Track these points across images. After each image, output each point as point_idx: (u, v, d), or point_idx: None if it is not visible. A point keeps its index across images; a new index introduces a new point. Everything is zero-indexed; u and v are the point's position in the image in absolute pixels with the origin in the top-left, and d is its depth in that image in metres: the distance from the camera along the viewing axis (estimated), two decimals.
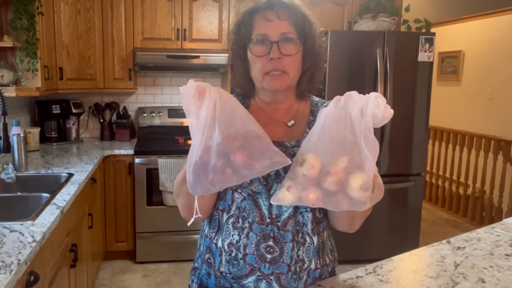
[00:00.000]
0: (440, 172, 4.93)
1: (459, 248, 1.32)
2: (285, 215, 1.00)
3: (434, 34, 3.22)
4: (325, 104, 1.11)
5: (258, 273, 0.99)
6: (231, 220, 1.02)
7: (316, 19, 1.05)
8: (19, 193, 2.04)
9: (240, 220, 1.01)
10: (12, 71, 2.62)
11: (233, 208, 1.02)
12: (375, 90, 3.13)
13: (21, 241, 1.37)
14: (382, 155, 3.20)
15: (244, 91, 1.11)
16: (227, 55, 1.13)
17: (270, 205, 1.00)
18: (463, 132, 4.57)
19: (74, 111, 3.43)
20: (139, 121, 3.66)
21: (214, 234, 1.06)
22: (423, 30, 3.51)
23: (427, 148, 3.43)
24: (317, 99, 1.14)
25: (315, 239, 1.03)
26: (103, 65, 3.34)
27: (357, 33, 3.30)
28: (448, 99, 5.39)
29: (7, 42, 2.49)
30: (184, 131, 3.52)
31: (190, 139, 0.83)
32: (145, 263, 3.24)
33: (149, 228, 3.21)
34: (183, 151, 3.12)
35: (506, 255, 1.28)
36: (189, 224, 0.94)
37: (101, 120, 3.60)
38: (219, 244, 1.03)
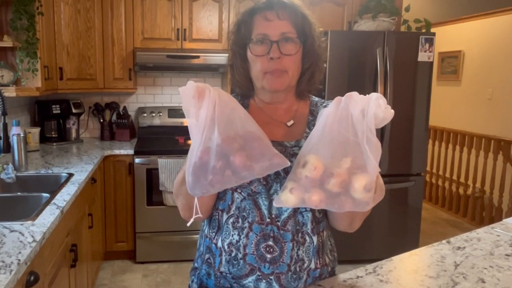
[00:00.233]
0: (440, 172, 4.93)
1: (459, 248, 1.32)
2: (285, 215, 1.00)
3: (434, 34, 3.22)
4: (324, 104, 1.11)
5: (258, 273, 0.99)
6: (231, 220, 1.02)
7: (315, 19, 1.05)
8: (19, 193, 2.04)
9: (240, 220, 1.01)
10: (12, 71, 2.62)
11: (233, 208, 1.02)
12: (375, 90, 3.13)
13: (21, 241, 1.37)
14: (382, 155, 3.16)
15: (244, 91, 1.11)
16: (227, 55, 1.12)
17: (270, 205, 1.00)
18: (463, 132, 4.57)
19: (74, 111, 3.43)
20: (139, 121, 3.66)
21: (214, 234, 1.06)
22: (423, 30, 3.51)
23: (427, 148, 3.43)
24: (316, 99, 1.14)
25: (314, 238, 1.03)
26: (103, 65, 3.34)
27: (357, 33, 3.30)
28: (448, 99, 5.39)
29: (7, 42, 2.49)
30: (184, 131, 3.52)
31: (190, 139, 0.83)
32: (145, 263, 3.24)
33: (149, 228, 3.21)
34: (183, 151, 3.12)
35: (506, 255, 1.28)
36: (188, 224, 0.94)
37: (101, 120, 3.60)
38: (219, 244, 1.03)
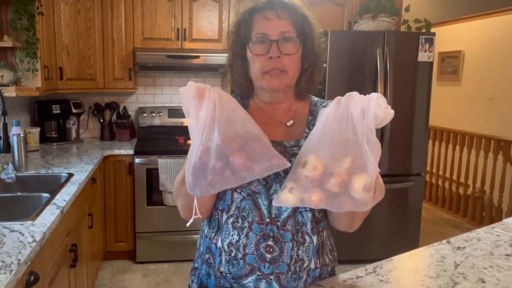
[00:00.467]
0: (440, 172, 4.93)
1: (459, 248, 1.32)
2: (285, 214, 1.00)
3: (434, 34, 3.22)
4: (324, 104, 1.11)
5: (258, 273, 0.99)
6: (231, 220, 1.02)
7: (315, 19, 1.05)
8: (19, 193, 2.04)
9: (240, 220, 1.01)
10: (12, 71, 2.62)
11: (233, 208, 1.02)
12: (375, 90, 3.13)
13: (21, 241, 1.37)
14: (382, 155, 3.19)
15: (243, 91, 1.11)
16: (227, 55, 1.12)
17: (270, 205, 1.00)
18: (463, 132, 4.57)
19: (74, 111, 3.43)
20: (139, 121, 3.66)
21: (213, 234, 1.06)
22: (423, 30, 3.51)
23: (427, 148, 3.43)
24: (316, 99, 1.14)
25: (314, 238, 1.03)
26: (103, 65, 3.34)
27: (357, 33, 3.30)
28: (448, 99, 5.39)
29: (7, 42, 2.49)
30: (184, 131, 3.52)
31: (190, 139, 0.83)
32: (145, 263, 3.24)
33: (149, 228, 3.21)
34: (183, 151, 3.12)
35: (506, 255, 1.28)
36: (188, 224, 0.94)
37: (101, 120, 3.60)
38: (219, 244, 1.03)
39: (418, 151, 3.31)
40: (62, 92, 3.24)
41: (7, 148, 2.20)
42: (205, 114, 0.79)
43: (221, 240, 1.03)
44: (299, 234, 1.01)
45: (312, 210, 1.03)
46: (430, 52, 3.21)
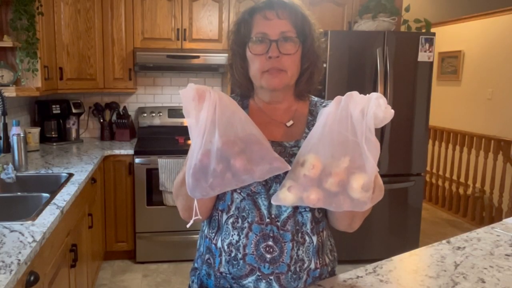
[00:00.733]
0: (440, 172, 4.93)
1: (459, 248, 1.32)
2: (285, 215, 1.00)
3: (434, 34, 3.22)
4: (324, 104, 1.11)
5: (258, 273, 0.99)
6: (231, 220, 1.02)
7: (315, 20, 1.06)
8: (19, 193, 2.04)
9: (240, 220, 1.01)
10: (12, 71, 2.62)
11: (233, 208, 1.02)
12: (375, 90, 3.13)
13: (21, 241, 1.37)
14: (382, 155, 3.20)
15: (243, 90, 1.11)
16: (227, 55, 1.12)
17: (270, 205, 1.00)
18: (463, 132, 4.57)
19: (74, 111, 3.43)
20: (139, 121, 3.66)
21: (213, 234, 1.06)
22: (423, 30, 3.51)
23: (427, 148, 3.43)
24: (316, 99, 1.14)
25: (314, 238, 1.03)
26: (103, 65, 3.34)
27: (357, 33, 3.30)
28: (448, 99, 5.39)
29: (7, 42, 2.49)
30: (184, 131, 3.51)
31: (190, 139, 0.83)
32: (145, 263, 3.24)
33: (149, 228, 3.21)
34: (183, 151, 3.12)
35: (506, 255, 1.28)
36: (188, 225, 0.94)
37: (101, 120, 3.60)
38: (219, 244, 1.03)
39: (418, 151, 3.31)
40: (62, 92, 3.24)
41: (7, 148, 2.20)
42: (205, 116, 0.79)
43: (221, 241, 1.03)
44: (299, 234, 1.01)
45: (312, 210, 1.03)
46: (430, 52, 3.21)
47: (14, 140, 2.33)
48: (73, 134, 3.47)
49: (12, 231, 1.45)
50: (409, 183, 3.32)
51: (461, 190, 4.61)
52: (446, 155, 4.84)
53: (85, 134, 3.71)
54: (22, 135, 2.37)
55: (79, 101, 3.51)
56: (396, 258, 1.25)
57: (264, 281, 0.99)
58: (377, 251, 3.30)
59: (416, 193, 3.36)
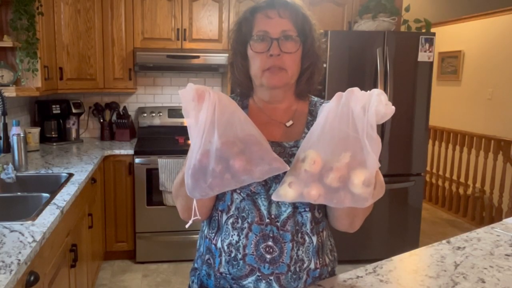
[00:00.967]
0: (440, 172, 4.93)
1: (459, 248, 1.32)
2: (284, 215, 1.00)
3: (434, 34, 3.22)
4: (324, 104, 1.11)
5: (257, 273, 0.99)
6: (231, 220, 1.02)
7: (316, 20, 1.06)
8: (19, 193, 2.04)
9: (240, 221, 1.01)
10: (12, 71, 2.62)
11: (232, 208, 1.02)
12: None
13: (21, 241, 1.37)
14: (382, 155, 3.20)
15: (243, 89, 1.11)
16: (227, 55, 1.12)
17: (269, 205, 1.00)
18: (463, 132, 4.57)
19: (74, 111, 3.43)
20: (139, 121, 3.66)
21: (213, 234, 1.06)
22: (423, 30, 3.51)
23: (427, 148, 3.43)
24: (316, 99, 1.14)
25: (314, 239, 1.03)
26: (103, 65, 3.34)
27: (357, 33, 3.30)
28: (448, 99, 5.39)
29: (7, 42, 2.49)
30: (184, 131, 3.51)
31: (190, 139, 0.83)
32: (145, 263, 3.24)
33: (149, 228, 3.21)
34: (183, 151, 3.12)
35: (506, 255, 1.28)
36: (187, 226, 0.94)
37: (101, 120, 3.60)
38: (219, 244, 1.03)
39: (418, 151, 3.31)
40: (62, 92, 3.24)
41: (7, 148, 2.20)
42: (204, 116, 0.79)
43: (221, 241, 1.03)
44: (299, 235, 1.01)
45: (311, 210, 1.03)
46: (430, 52, 3.21)
47: (14, 140, 2.33)
48: (73, 134, 3.47)
49: (12, 231, 1.45)
50: (409, 183, 3.32)
51: (461, 190, 4.61)
52: (446, 155, 4.84)
53: (85, 134, 3.71)
54: (22, 135, 2.37)
55: (79, 101, 3.51)
56: (396, 258, 1.25)
57: (264, 281, 0.99)
58: (377, 251, 3.30)
59: (416, 193, 3.36)
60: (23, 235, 1.42)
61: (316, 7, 3.47)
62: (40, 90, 2.69)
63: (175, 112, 3.70)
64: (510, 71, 4.58)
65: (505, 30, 4.62)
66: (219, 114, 0.79)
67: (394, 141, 3.24)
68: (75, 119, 3.47)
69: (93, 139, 3.68)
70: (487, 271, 1.16)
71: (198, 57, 3.35)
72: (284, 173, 0.99)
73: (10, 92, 2.53)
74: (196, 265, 1.14)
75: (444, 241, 1.37)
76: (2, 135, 2.20)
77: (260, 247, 0.99)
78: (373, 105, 0.79)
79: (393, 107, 0.80)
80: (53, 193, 1.92)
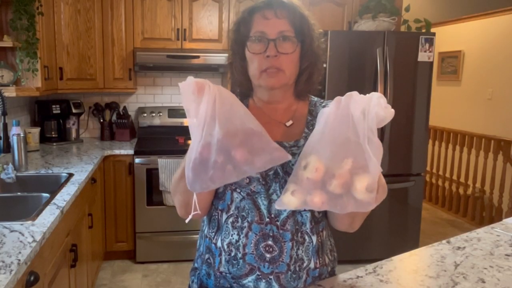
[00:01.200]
0: (440, 172, 4.93)
1: (459, 248, 1.32)
2: (284, 214, 1.00)
3: (434, 34, 3.22)
4: (323, 104, 1.11)
5: (257, 273, 0.99)
6: (230, 219, 1.02)
7: (315, 20, 1.06)
8: (19, 193, 2.04)
9: (239, 220, 1.01)
10: (12, 71, 2.62)
11: (232, 207, 1.02)
12: (375, 90, 3.13)
13: (21, 241, 1.37)
14: (382, 155, 3.20)
15: (243, 89, 1.11)
16: (227, 55, 1.12)
17: (269, 205, 1.00)
18: (463, 132, 4.57)
19: (74, 111, 3.43)
20: (139, 121, 3.66)
21: (213, 234, 1.06)
22: (423, 30, 3.51)
23: (427, 148, 3.43)
24: (315, 99, 1.14)
25: (314, 238, 1.03)
26: (103, 65, 3.34)
27: (357, 33, 3.30)
28: (448, 99, 5.39)
29: (7, 42, 2.49)
30: (184, 131, 3.52)
31: (190, 139, 0.83)
32: (145, 263, 3.24)
33: (149, 228, 3.21)
34: (183, 151, 3.10)
35: (506, 255, 1.28)
36: (187, 221, 0.93)
37: (101, 120, 3.60)
38: (219, 244, 1.03)
39: (418, 151, 3.31)
40: (62, 92, 3.24)
41: (7, 148, 2.20)
42: (205, 109, 0.78)
43: (221, 240, 1.03)
44: (299, 234, 1.01)
45: (311, 210, 1.03)
46: (430, 52, 3.21)
47: (14, 140, 2.33)
48: (73, 134, 3.47)
49: (12, 231, 1.45)
50: (409, 183, 3.32)
51: (461, 190, 4.61)
52: (446, 155, 4.84)
53: (85, 134, 3.71)
54: (22, 135, 2.37)
55: (79, 101, 3.51)
56: (396, 258, 1.25)
57: (263, 280, 0.99)
58: (377, 251, 3.30)
59: (416, 193, 3.36)
60: (23, 235, 1.42)
61: (316, 7, 3.47)
62: (40, 90, 2.69)
63: (175, 112, 3.70)
64: (510, 71, 4.58)
65: (505, 30, 4.62)
66: (219, 107, 0.79)
67: (394, 141, 3.24)
68: (75, 119, 3.47)
69: (93, 139, 3.68)
70: (487, 271, 1.16)
71: (198, 57, 3.35)
72: (284, 173, 0.99)
73: (10, 92, 2.53)
74: (196, 264, 1.14)
75: (444, 241, 1.37)
76: (2, 135, 2.20)
77: (260, 246, 0.99)
78: (373, 109, 0.78)
79: (393, 110, 0.80)
80: (53, 193, 1.92)
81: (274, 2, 1.01)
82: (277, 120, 1.08)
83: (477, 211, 4.37)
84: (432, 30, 3.48)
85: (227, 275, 1.02)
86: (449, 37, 5.25)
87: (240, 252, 1.00)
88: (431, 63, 3.24)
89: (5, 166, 2.20)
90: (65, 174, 2.31)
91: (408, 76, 3.22)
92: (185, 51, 3.39)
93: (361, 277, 1.12)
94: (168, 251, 3.25)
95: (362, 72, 3.16)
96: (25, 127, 3.08)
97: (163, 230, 3.23)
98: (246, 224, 1.00)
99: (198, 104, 0.79)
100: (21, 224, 1.51)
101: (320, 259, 1.05)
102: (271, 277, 0.99)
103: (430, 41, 3.19)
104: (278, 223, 0.99)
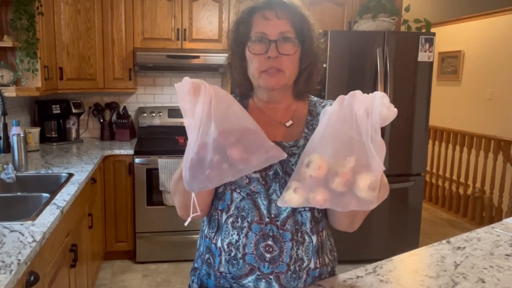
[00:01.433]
0: (440, 172, 4.93)
1: (459, 248, 1.32)
2: (284, 214, 1.00)
3: (434, 34, 3.22)
4: (323, 104, 1.11)
5: (257, 273, 0.99)
6: (230, 220, 1.02)
7: (315, 20, 1.06)
8: (19, 193, 2.04)
9: (239, 220, 1.01)
10: (12, 71, 2.62)
11: (232, 208, 1.02)
12: (375, 90, 3.13)
13: (21, 241, 1.37)
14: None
15: (243, 89, 1.11)
16: (227, 55, 1.12)
17: (269, 205, 1.00)
18: (463, 132, 4.57)
19: (74, 111, 3.43)
20: (139, 121, 3.66)
21: (213, 234, 1.06)
22: (423, 30, 3.51)
23: (427, 148, 3.43)
24: (315, 99, 1.14)
25: (314, 238, 1.03)
26: (103, 65, 3.34)
27: (357, 33, 3.30)
28: (448, 99, 5.39)
29: (7, 42, 2.49)
30: (184, 131, 3.48)
31: (187, 133, 0.83)
32: (145, 263, 3.24)
33: (149, 228, 3.21)
34: (183, 151, 3.06)
35: (506, 255, 1.28)
36: (186, 223, 0.93)
37: (101, 120, 3.60)
38: (219, 244, 1.03)
39: (418, 151, 3.31)
40: (62, 92, 3.24)
41: (7, 148, 2.20)
42: (201, 109, 0.79)
43: (221, 240, 1.03)
44: (299, 234, 1.01)
45: (311, 209, 1.03)
46: (430, 52, 3.21)
47: (14, 140, 2.33)
48: (73, 134, 3.47)
49: (12, 231, 1.45)
50: (409, 183, 3.32)
51: (461, 190, 4.61)
52: (446, 155, 4.84)
53: (85, 134, 3.71)
54: (22, 135, 2.37)
55: (79, 101, 3.51)
56: (396, 258, 1.25)
57: (263, 280, 0.99)
58: (377, 251, 3.30)
59: (416, 193, 3.36)
60: (23, 235, 1.42)
61: (316, 7, 3.47)
62: (40, 90, 2.69)
63: (175, 112, 3.70)
64: (510, 71, 4.58)
65: (505, 30, 4.62)
66: (215, 107, 0.79)
67: (394, 141, 3.24)
68: (75, 119, 3.47)
69: (93, 139, 3.68)
70: (487, 271, 1.16)
71: (198, 57, 3.35)
72: (284, 173, 0.99)
73: (10, 92, 2.53)
74: (196, 264, 1.14)
75: (444, 241, 1.37)
76: (2, 135, 2.20)
77: (260, 246, 0.99)
78: (376, 108, 0.78)
79: (396, 110, 0.80)
80: (53, 193, 1.92)
81: (275, 2, 1.00)
82: (277, 120, 1.08)
83: (477, 211, 4.37)
84: (432, 30, 3.48)
85: (227, 275, 1.02)
86: (449, 37, 5.25)
87: (240, 252, 1.00)
88: (431, 63, 3.24)
89: (5, 166, 2.20)
90: (65, 174, 2.31)
91: (408, 76, 3.22)
92: (185, 51, 3.39)
93: (361, 277, 1.12)
94: (168, 251, 3.25)
95: (362, 72, 3.16)
96: (25, 127, 3.08)
97: (163, 230, 3.22)
98: (246, 224, 1.00)
99: (194, 105, 0.79)
100: (21, 224, 1.51)
101: (320, 259, 1.05)
102: (271, 277, 0.99)
103: (430, 41, 3.19)
104: (278, 223, 0.99)
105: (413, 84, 3.23)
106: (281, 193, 0.97)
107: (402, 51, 3.17)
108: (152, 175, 3.15)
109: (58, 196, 1.87)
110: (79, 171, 2.37)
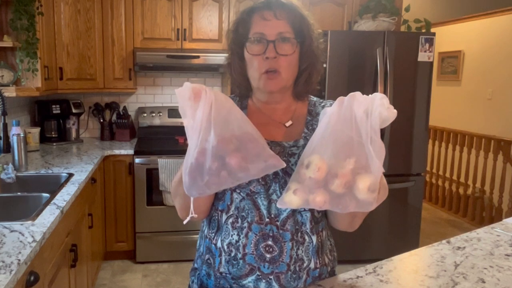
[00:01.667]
0: (440, 172, 4.93)
1: (459, 248, 1.32)
2: (284, 214, 1.00)
3: (434, 34, 3.22)
4: (323, 104, 1.11)
5: (257, 273, 0.99)
6: (230, 220, 1.02)
7: (314, 20, 1.05)
8: (19, 193, 2.04)
9: (239, 220, 1.01)
10: (12, 71, 2.62)
11: (232, 208, 1.02)
12: (375, 90, 3.13)
13: (21, 241, 1.37)
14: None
15: (242, 90, 1.11)
16: (227, 55, 1.12)
17: (269, 205, 1.00)
18: (463, 132, 4.57)
19: (74, 111, 3.43)
20: (139, 121, 3.66)
21: (213, 234, 1.06)
22: (423, 30, 3.51)
23: (427, 148, 3.43)
24: (315, 99, 1.14)
25: (314, 238, 1.03)
26: (103, 65, 3.34)
27: (357, 33, 3.30)
28: (448, 99, 5.39)
29: (7, 42, 2.49)
30: (184, 131, 3.51)
31: (187, 138, 0.83)
32: (145, 263, 3.24)
33: (149, 228, 3.21)
34: (183, 151, 3.10)
35: (506, 255, 1.28)
36: (184, 222, 0.93)
37: (101, 120, 3.60)
38: (219, 244, 1.03)
39: (418, 151, 3.31)
40: (62, 92, 3.24)
41: (7, 148, 2.20)
42: (201, 115, 0.79)
43: (221, 240, 1.03)
44: (299, 234, 1.01)
45: (311, 210, 1.03)
46: (430, 52, 3.21)
47: (14, 140, 2.33)
48: (73, 134, 3.47)
49: (12, 231, 1.45)
50: (409, 183, 3.32)
51: (461, 190, 4.61)
52: (446, 155, 4.84)
53: (85, 134, 3.71)
54: (22, 135, 2.37)
55: (79, 101, 3.51)
56: (396, 258, 1.25)
57: (264, 280, 0.99)
58: (377, 251, 3.30)
59: (416, 193, 3.36)
60: (23, 235, 1.42)
61: (316, 7, 3.47)
62: (40, 90, 2.69)
63: (175, 112, 3.70)
64: (510, 71, 4.58)
65: (505, 30, 4.62)
66: (215, 113, 0.79)
67: (394, 141, 3.24)
68: (75, 119, 3.47)
69: (93, 139, 3.68)
70: (487, 271, 1.16)
71: (198, 57, 3.35)
72: (284, 173, 0.99)
73: (10, 92, 2.53)
74: (196, 265, 1.14)
75: (444, 241, 1.37)
76: (2, 135, 2.20)
77: (260, 246, 0.99)
78: (376, 109, 0.78)
79: (395, 111, 0.80)
80: (53, 193, 1.92)
81: (274, 2, 1.00)
82: (277, 121, 1.08)
83: (477, 211, 4.37)
84: (432, 30, 3.48)
85: (227, 275, 1.02)
86: (449, 37, 5.25)
87: (240, 253, 1.00)
88: (431, 63, 3.24)
89: (5, 166, 2.20)
90: (65, 174, 2.31)
91: (408, 76, 3.21)
92: (185, 51, 3.39)
93: (361, 277, 1.12)
94: (168, 251, 3.25)
95: (362, 72, 3.16)
96: (25, 127, 3.08)
97: (163, 230, 3.23)
98: (246, 224, 1.00)
99: (194, 110, 0.79)
100: (21, 224, 1.51)
101: (320, 259, 1.05)
102: (271, 277, 0.99)
103: (430, 41, 3.19)
104: (278, 223, 0.99)
105: (413, 84, 3.23)
106: (281, 193, 0.97)
107: (402, 51, 3.17)
108: (152, 175, 3.15)
109: (58, 196, 1.87)
110: (79, 171, 2.37)
